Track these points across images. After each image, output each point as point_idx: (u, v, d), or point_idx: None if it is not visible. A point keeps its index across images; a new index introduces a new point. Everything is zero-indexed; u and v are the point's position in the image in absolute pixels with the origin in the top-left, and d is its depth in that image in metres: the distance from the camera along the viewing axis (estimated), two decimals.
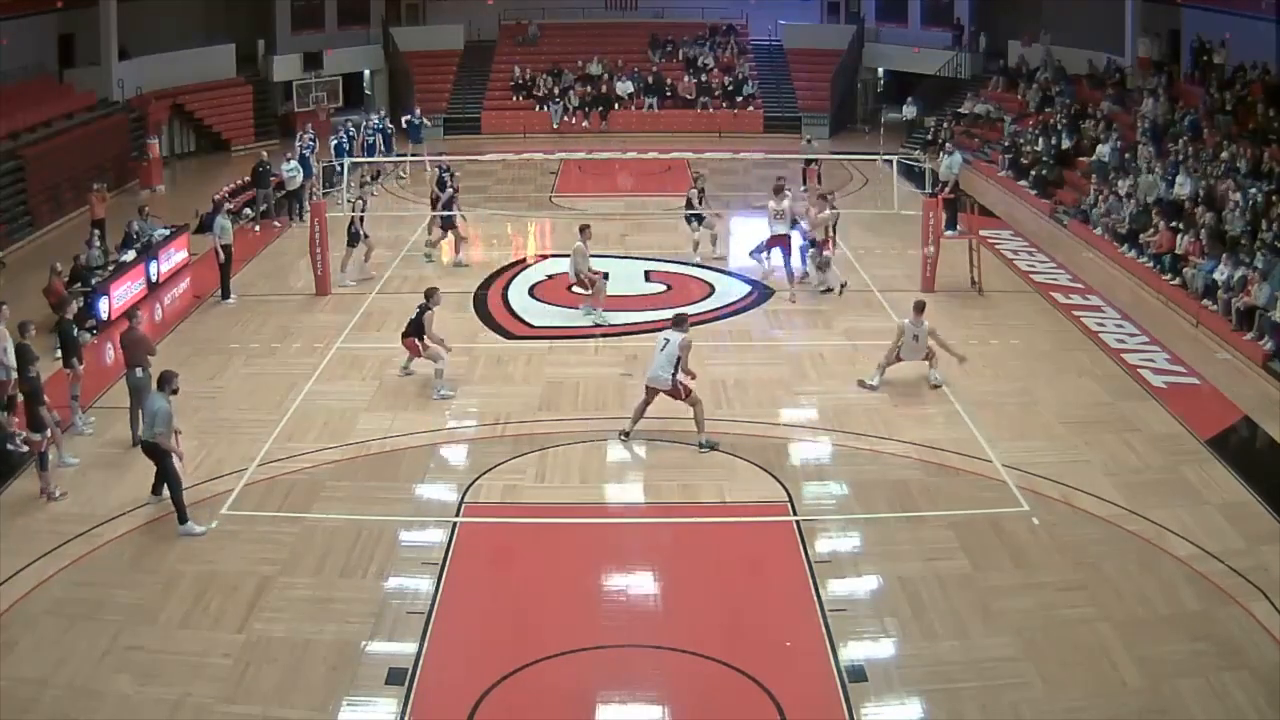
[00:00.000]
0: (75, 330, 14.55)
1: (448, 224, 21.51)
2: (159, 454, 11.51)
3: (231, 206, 22.44)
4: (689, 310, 18.17)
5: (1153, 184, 21.93)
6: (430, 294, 15.32)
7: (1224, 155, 21.30)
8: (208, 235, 22.68)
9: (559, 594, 10.63)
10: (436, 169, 23.38)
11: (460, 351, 16.48)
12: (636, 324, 17.79)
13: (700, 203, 21.41)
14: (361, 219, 20.25)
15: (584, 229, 18.18)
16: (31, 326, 13.43)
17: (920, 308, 15.15)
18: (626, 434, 13.45)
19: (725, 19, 39.75)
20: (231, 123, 33.45)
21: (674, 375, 13.09)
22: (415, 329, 15.08)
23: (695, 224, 21.38)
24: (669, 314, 17.80)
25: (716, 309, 18.52)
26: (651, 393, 13.30)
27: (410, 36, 38.28)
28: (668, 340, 13.22)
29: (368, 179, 27.59)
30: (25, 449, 12.86)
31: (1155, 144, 23.75)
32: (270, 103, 35.08)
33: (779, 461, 13.12)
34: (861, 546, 11.38)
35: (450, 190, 21.86)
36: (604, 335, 17.28)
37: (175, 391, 11.80)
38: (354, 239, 20.11)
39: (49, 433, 12.32)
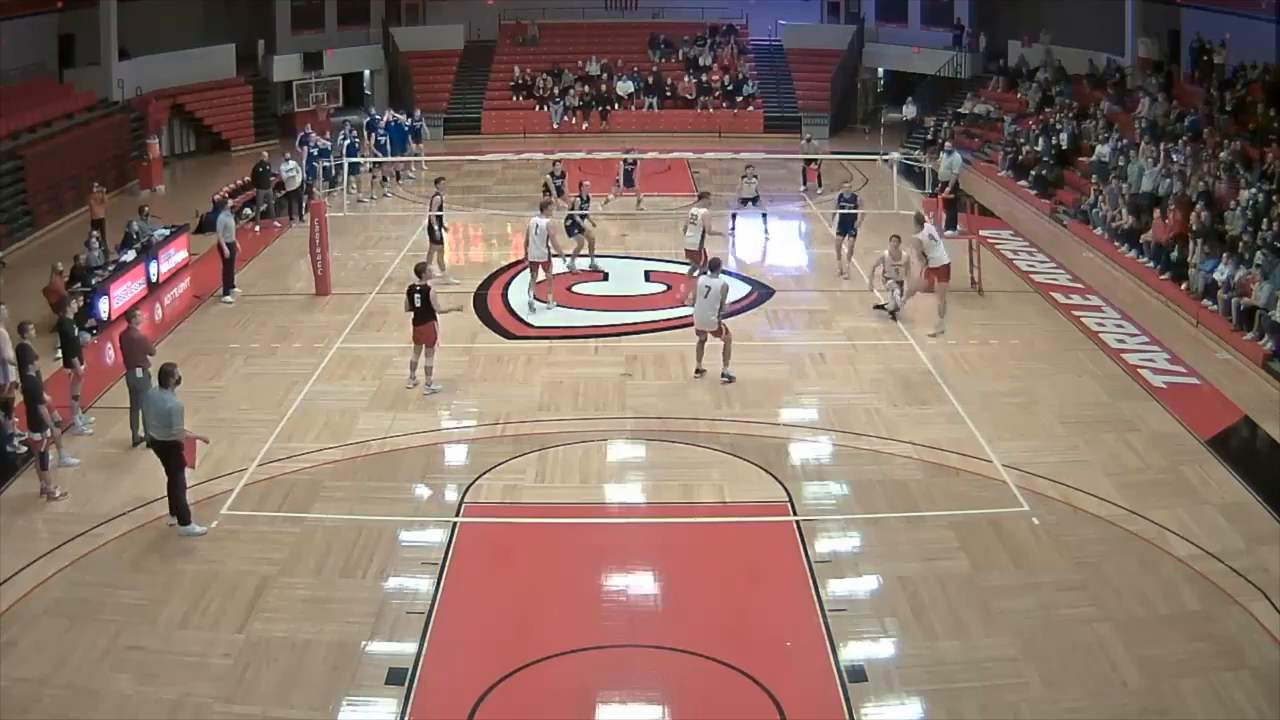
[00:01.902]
0: (75, 330, 14.54)
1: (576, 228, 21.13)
2: (173, 452, 11.35)
3: (233, 205, 22.44)
4: (691, 310, 18.38)
5: (1152, 178, 21.91)
6: (421, 270, 15.32)
7: (1223, 155, 21.29)
8: (208, 235, 22.80)
9: (559, 594, 10.63)
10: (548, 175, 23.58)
11: (460, 351, 16.50)
12: (637, 324, 17.80)
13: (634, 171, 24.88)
14: (439, 218, 20.11)
15: (544, 207, 18.48)
16: (31, 326, 13.43)
17: (919, 220, 16.91)
18: (701, 371, 15.32)
19: (725, 19, 39.74)
20: (231, 123, 33.43)
21: (719, 318, 14.91)
22: (429, 311, 14.82)
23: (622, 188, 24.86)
24: (667, 315, 18.13)
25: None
26: (703, 334, 15.18)
27: (410, 36, 38.27)
28: (709, 288, 14.86)
29: (386, 178, 27.53)
30: (24, 450, 12.86)
31: (1155, 144, 23.77)
32: (270, 103, 35.06)
33: (779, 461, 13.12)
34: (861, 546, 11.38)
35: (579, 196, 21.24)
36: (599, 337, 17.28)
37: (179, 382, 11.56)
38: (435, 237, 20.10)
39: (49, 432, 12.31)
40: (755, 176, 23.54)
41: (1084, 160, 25.86)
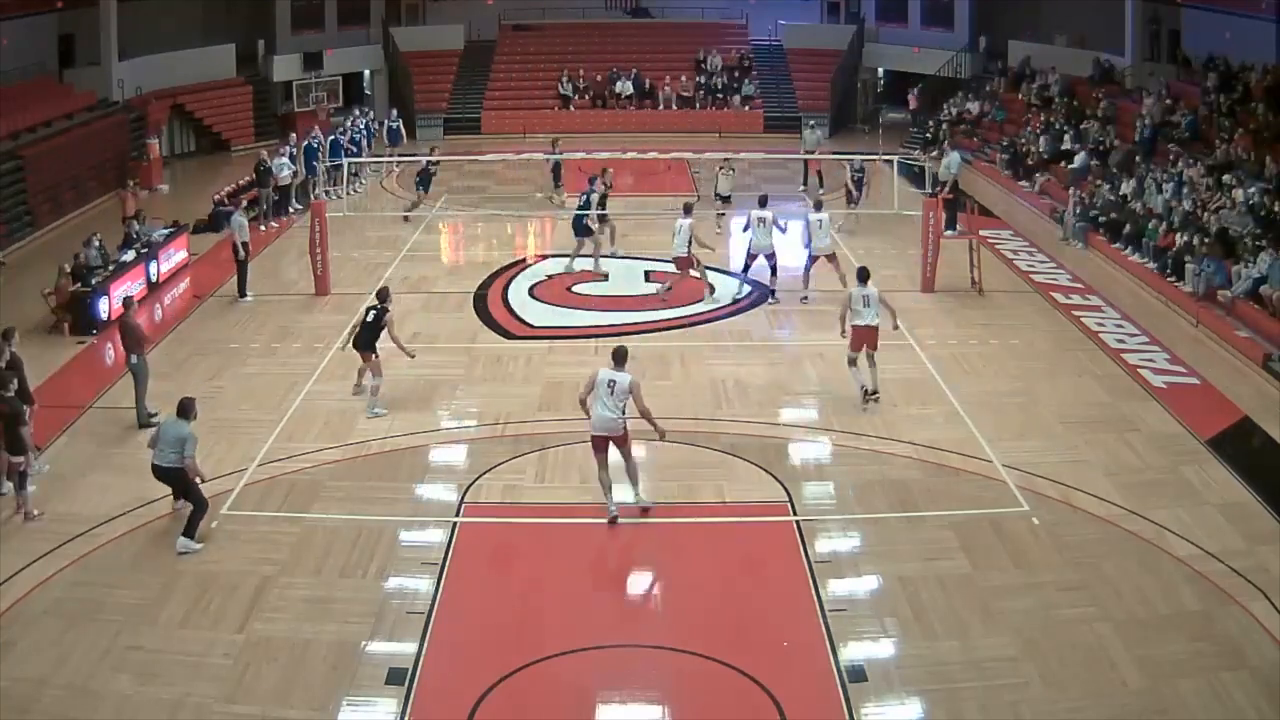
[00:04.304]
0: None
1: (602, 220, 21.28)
2: (179, 479, 11.32)
3: (244, 203, 22.47)
4: (691, 310, 18.40)
5: (1151, 187, 21.99)
6: (384, 295, 14.73)
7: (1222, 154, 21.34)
8: (206, 235, 22.85)
9: (559, 594, 10.64)
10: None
11: (460, 351, 16.52)
12: (636, 324, 17.80)
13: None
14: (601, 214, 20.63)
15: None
16: (16, 334, 13.19)
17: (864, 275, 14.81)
18: (615, 519, 11.63)
19: (725, 19, 39.75)
20: (231, 123, 33.43)
21: (625, 419, 11.62)
22: (372, 337, 14.19)
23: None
24: (667, 315, 18.14)
25: (716, 309, 18.53)
26: (604, 442, 11.63)
27: (410, 36, 38.27)
28: (614, 381, 11.57)
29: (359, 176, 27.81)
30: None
31: (1153, 144, 23.84)
32: (270, 103, 35.05)
33: (779, 461, 13.11)
34: (861, 546, 11.38)
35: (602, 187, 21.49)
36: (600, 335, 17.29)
37: (195, 417, 11.50)
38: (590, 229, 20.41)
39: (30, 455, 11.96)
40: (733, 170, 24.51)
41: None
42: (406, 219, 23.94)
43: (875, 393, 14.36)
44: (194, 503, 11.35)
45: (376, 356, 14.31)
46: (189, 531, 11.21)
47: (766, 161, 30.56)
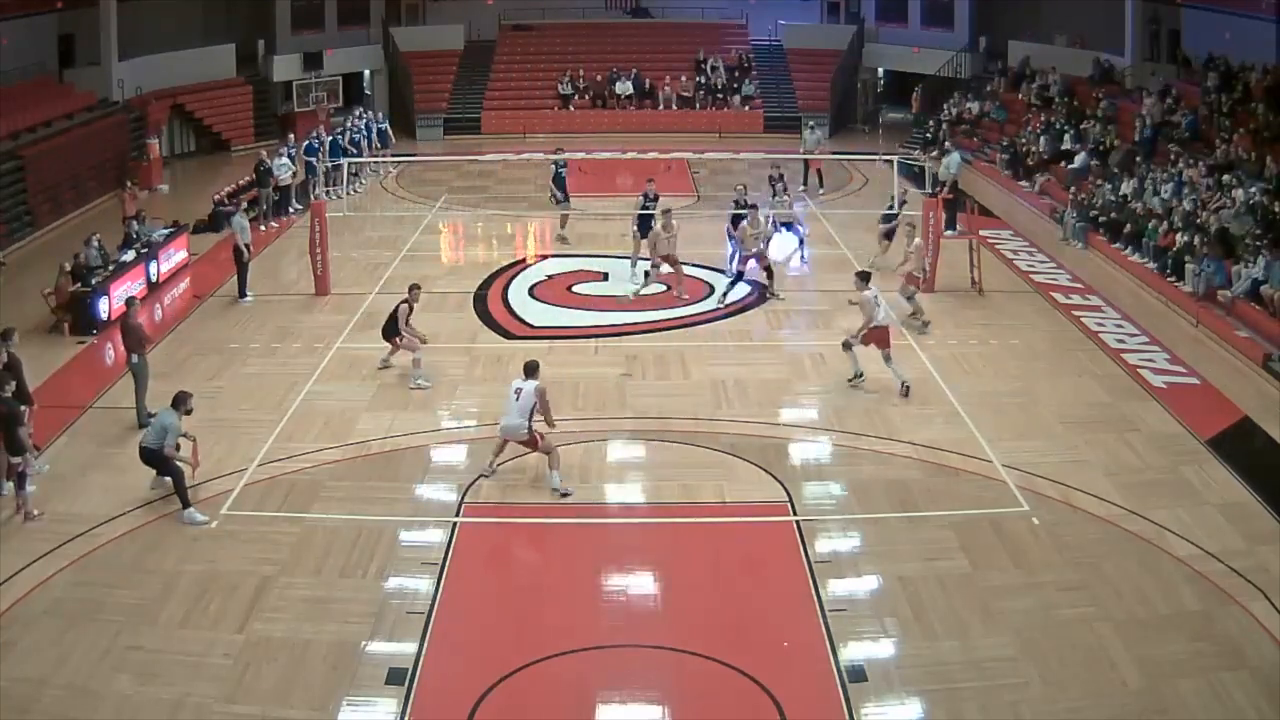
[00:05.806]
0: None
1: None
2: (160, 463, 11.75)
3: (244, 204, 22.47)
4: (691, 310, 18.40)
5: (1151, 187, 22.00)
6: (412, 289, 15.72)
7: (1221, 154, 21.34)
8: (208, 235, 22.85)
9: (559, 594, 10.64)
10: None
11: (460, 351, 16.52)
12: (637, 324, 17.80)
13: None
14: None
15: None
16: (15, 334, 13.20)
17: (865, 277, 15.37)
18: (489, 472, 12.64)
19: (725, 19, 39.77)
20: (231, 123, 33.42)
21: (530, 425, 12.30)
22: (395, 328, 15.43)
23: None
24: (667, 315, 18.15)
25: (716, 309, 18.53)
26: (505, 442, 12.57)
27: (410, 36, 38.27)
28: (520, 389, 12.34)
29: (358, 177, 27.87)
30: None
31: (1153, 144, 23.80)
32: (270, 103, 35.04)
33: (779, 461, 13.12)
34: (861, 546, 11.38)
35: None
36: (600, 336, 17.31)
37: (189, 412, 12.06)
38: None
39: (29, 455, 12.00)
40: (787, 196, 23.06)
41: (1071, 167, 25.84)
42: (563, 239, 22.94)
43: (907, 385, 14.83)
44: (171, 475, 11.69)
45: (402, 339, 15.40)
46: (184, 503, 11.58)
47: (767, 162, 30.53)
